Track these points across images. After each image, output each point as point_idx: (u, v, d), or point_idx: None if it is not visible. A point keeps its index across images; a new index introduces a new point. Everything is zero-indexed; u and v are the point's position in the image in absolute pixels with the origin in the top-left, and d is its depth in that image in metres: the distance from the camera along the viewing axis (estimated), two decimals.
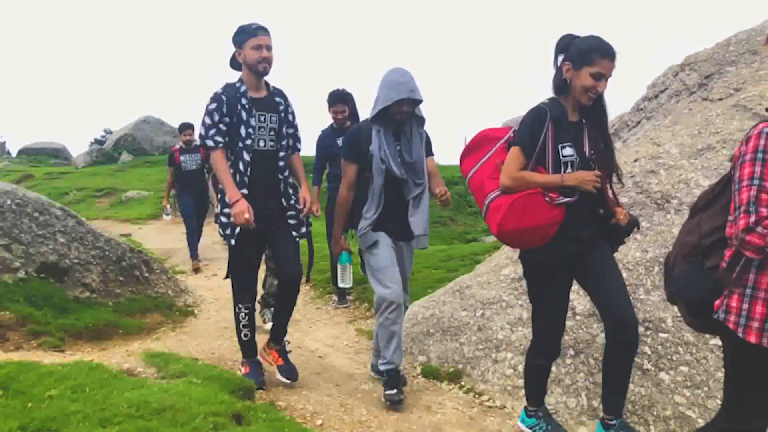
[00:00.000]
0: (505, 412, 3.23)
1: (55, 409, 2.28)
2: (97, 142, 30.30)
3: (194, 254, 7.91)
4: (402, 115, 3.23)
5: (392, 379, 3.30)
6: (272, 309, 4.45)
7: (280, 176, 3.38)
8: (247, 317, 3.45)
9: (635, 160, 4.18)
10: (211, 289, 6.59)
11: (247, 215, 3.12)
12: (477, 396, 3.43)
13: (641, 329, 3.12)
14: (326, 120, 5.55)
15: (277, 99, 3.41)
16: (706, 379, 2.83)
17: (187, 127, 7.89)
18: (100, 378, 2.70)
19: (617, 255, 3.43)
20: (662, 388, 2.89)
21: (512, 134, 2.62)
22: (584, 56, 2.42)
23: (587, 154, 2.55)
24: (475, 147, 2.70)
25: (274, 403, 3.16)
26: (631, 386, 2.96)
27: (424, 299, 4.74)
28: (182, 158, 7.74)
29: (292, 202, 3.41)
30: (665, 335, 3.07)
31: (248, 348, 3.54)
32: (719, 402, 2.62)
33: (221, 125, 3.23)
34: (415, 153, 3.33)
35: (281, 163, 3.38)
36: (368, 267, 3.37)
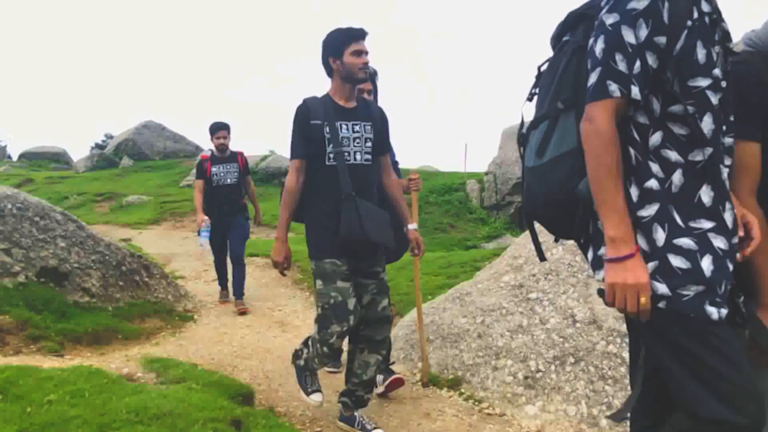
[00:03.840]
0: (504, 419, 3.22)
1: (54, 414, 2.28)
2: (98, 146, 30.42)
3: (239, 292, 5.89)
4: None
5: None
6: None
7: None
8: None
9: None
10: (210, 294, 6.59)
11: None
12: (477, 403, 3.42)
13: None
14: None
15: None
16: None
17: (220, 128, 5.86)
18: (99, 383, 2.70)
19: None
20: None
21: None
22: None
23: None
24: None
25: (273, 409, 3.15)
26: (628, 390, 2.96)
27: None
28: (214, 169, 5.81)
29: None
30: None
31: None
32: None
33: (651, 53, 1.37)
34: None
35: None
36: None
